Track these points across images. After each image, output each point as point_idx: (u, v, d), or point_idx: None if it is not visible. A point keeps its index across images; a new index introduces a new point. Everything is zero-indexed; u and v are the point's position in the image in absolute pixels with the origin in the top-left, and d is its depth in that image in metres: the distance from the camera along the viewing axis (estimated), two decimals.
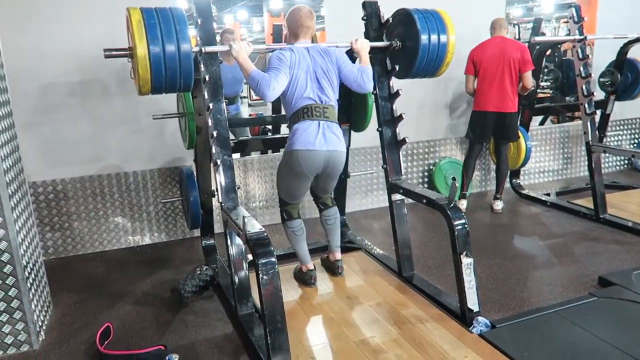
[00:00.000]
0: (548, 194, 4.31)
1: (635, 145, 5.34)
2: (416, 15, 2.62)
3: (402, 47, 2.73)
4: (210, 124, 2.41)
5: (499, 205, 4.05)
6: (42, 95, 3.15)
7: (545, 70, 4.80)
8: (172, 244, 3.59)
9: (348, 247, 3.27)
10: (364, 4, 2.83)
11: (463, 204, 4.06)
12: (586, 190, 4.43)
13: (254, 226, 2.07)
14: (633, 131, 5.32)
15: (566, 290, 2.68)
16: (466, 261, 2.33)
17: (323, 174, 2.55)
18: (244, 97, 5.92)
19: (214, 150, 2.41)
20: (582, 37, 3.58)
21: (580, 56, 3.66)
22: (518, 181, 4.54)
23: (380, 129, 2.82)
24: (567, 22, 5.75)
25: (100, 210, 3.43)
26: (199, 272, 2.83)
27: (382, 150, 2.83)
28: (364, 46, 2.62)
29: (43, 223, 3.30)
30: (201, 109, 2.74)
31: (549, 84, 4.72)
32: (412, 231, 2.92)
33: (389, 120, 2.82)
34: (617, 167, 5.22)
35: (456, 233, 2.31)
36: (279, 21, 6.04)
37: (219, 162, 2.38)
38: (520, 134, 4.12)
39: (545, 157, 4.90)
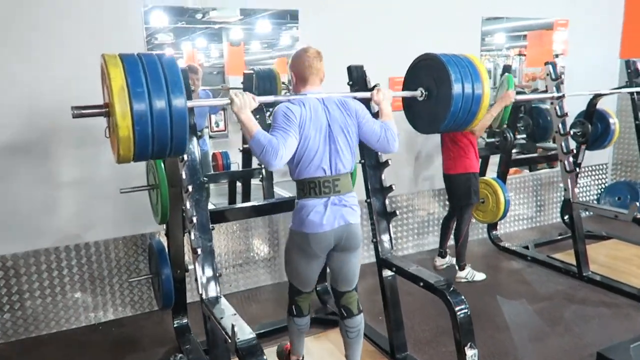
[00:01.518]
0: (527, 247, 4.26)
1: (602, 190, 5.44)
2: (446, 60, 2.33)
3: (428, 97, 2.42)
4: (188, 206, 2.17)
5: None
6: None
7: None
8: (138, 319, 3.27)
9: (330, 320, 3.06)
10: (349, 69, 2.69)
11: (442, 262, 3.91)
12: (562, 241, 4.44)
13: (244, 331, 1.84)
14: (600, 177, 5.43)
15: None
16: (470, 353, 2.17)
17: (337, 250, 2.19)
18: (205, 127, 5.51)
19: (192, 237, 2.16)
20: (560, 94, 3.58)
21: (559, 113, 3.66)
22: (496, 232, 4.48)
23: (368, 199, 2.66)
24: (521, 54, 5.88)
25: (56, 286, 3.08)
26: None
27: (370, 222, 2.66)
28: (386, 96, 2.29)
29: None
30: (174, 180, 2.50)
31: (524, 135, 4.73)
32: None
33: (378, 190, 2.67)
34: (584, 213, 5.29)
35: (459, 321, 2.15)
36: (239, 51, 5.85)
37: (199, 250, 2.14)
38: (498, 186, 4.07)
39: (519, 206, 4.89)
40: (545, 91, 3.70)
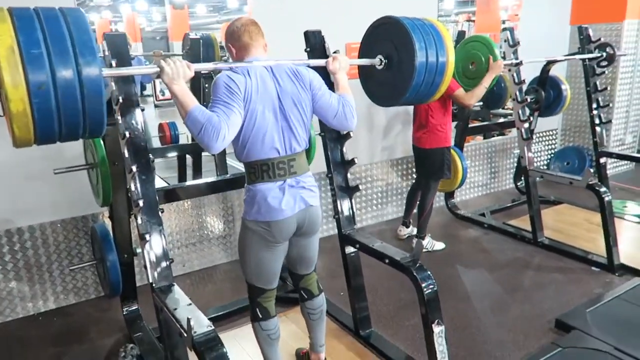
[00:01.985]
0: (483, 214, 4.30)
1: (551, 155, 5.57)
2: (409, 25, 2.11)
3: (388, 66, 2.22)
4: (132, 188, 1.95)
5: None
6: None
7: None
8: (83, 306, 3.03)
9: (291, 298, 2.95)
10: (306, 34, 2.49)
11: (405, 232, 3.87)
12: (516, 207, 4.51)
13: (201, 323, 1.68)
14: (550, 142, 5.54)
15: (528, 338, 2.58)
16: (437, 329, 2.11)
17: (297, 235, 2.00)
18: (148, 95, 5.07)
19: (140, 221, 1.95)
20: (518, 61, 3.54)
21: (516, 80, 3.62)
22: (453, 201, 4.48)
23: (329, 174, 2.52)
24: (469, 19, 5.80)
25: None
26: (123, 354, 2.36)
27: (332, 197, 2.53)
28: (342, 65, 2.06)
29: None
30: (116, 157, 2.26)
31: (479, 103, 4.70)
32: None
33: (339, 164, 2.53)
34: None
35: (426, 298, 2.08)
36: (182, 14, 5.41)
37: (147, 236, 1.93)
38: (455, 154, 4.04)
39: (474, 173, 4.91)
40: (503, 57, 3.63)
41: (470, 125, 4.26)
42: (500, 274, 3.32)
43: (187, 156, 3.93)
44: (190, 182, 3.30)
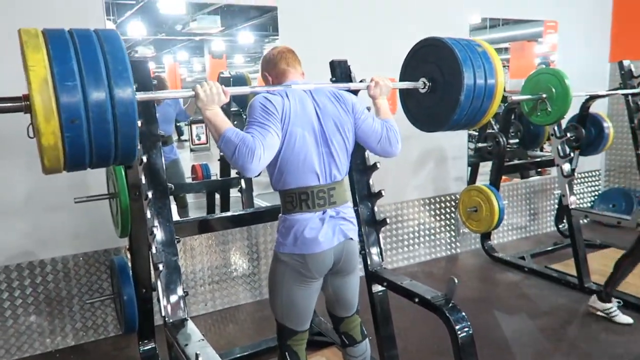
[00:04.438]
0: (523, 258, 4.03)
1: (595, 197, 5.27)
2: (454, 45, 2.01)
3: (432, 89, 2.11)
4: (148, 215, 1.89)
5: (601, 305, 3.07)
6: None
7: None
8: (101, 344, 2.93)
9: (317, 341, 2.78)
10: (332, 64, 2.45)
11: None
12: (559, 250, 4.23)
13: (210, 359, 1.56)
14: (592, 184, 5.26)
15: None
16: None
17: (334, 272, 1.83)
18: (185, 140, 5.21)
19: (154, 251, 1.88)
20: None
21: None
22: (490, 243, 4.25)
23: (355, 207, 2.39)
24: (503, 65, 5.71)
25: (7, 309, 2.74)
26: None
27: (358, 232, 2.38)
28: (384, 90, 1.95)
29: None
30: (137, 187, 2.22)
31: (516, 141, 4.55)
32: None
33: (366, 196, 2.41)
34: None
35: (460, 342, 1.88)
36: (220, 63, 5.60)
37: (161, 266, 1.85)
38: (491, 193, 3.85)
39: (512, 215, 4.68)
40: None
41: (506, 164, 4.08)
42: (542, 321, 3.05)
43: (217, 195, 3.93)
44: (213, 214, 3.25)
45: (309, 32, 3.41)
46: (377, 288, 2.36)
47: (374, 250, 2.38)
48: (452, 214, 4.29)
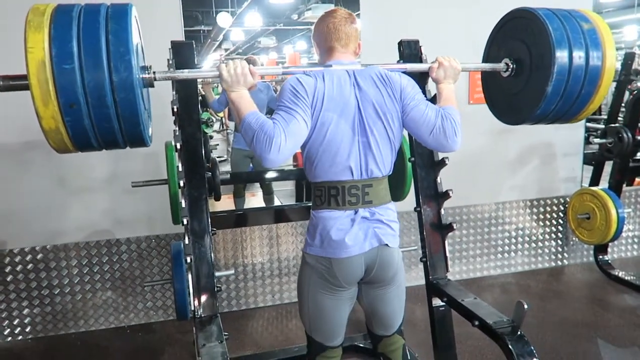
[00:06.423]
0: None
1: None
2: (546, 15, 1.65)
3: (517, 72, 1.78)
4: (183, 204, 1.81)
5: None
6: (23, 149, 2.71)
7: None
8: (167, 325, 3.00)
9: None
10: (400, 44, 2.16)
11: None
12: None
13: None
14: None
15: None
16: None
17: (367, 282, 1.60)
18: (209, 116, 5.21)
19: (186, 241, 1.80)
20: None
21: None
22: (606, 258, 3.60)
23: (418, 208, 2.10)
24: None
25: (87, 283, 2.91)
26: None
27: (420, 237, 2.10)
28: (449, 74, 1.66)
29: (20, 297, 2.82)
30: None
31: None
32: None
33: (431, 197, 2.11)
34: None
35: None
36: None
37: (189, 259, 1.76)
38: (608, 198, 3.25)
39: (637, 225, 3.93)
40: None
41: (631, 165, 3.41)
42: None
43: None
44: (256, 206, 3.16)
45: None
46: (438, 302, 2.06)
47: (437, 257, 2.07)
48: (561, 220, 3.71)
